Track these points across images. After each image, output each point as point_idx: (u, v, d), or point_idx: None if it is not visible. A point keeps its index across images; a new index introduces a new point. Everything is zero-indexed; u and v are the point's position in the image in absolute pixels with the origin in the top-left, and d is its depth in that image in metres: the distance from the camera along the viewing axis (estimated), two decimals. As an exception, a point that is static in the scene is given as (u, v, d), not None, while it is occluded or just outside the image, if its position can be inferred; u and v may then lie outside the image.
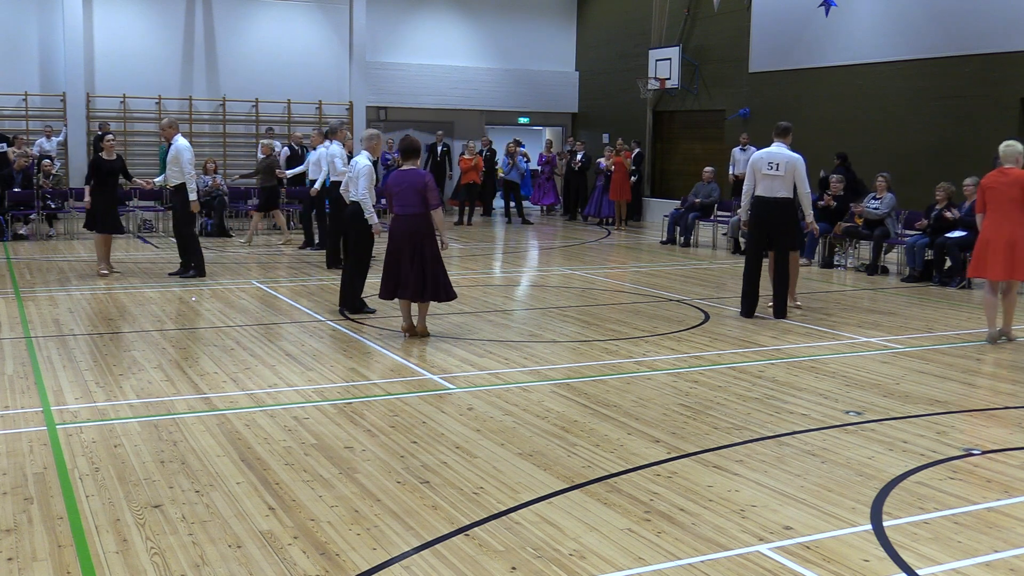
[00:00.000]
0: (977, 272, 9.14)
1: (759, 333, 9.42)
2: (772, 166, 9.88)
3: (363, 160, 9.60)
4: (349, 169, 9.89)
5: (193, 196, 12.25)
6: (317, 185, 14.27)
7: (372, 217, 9.55)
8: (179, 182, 12.20)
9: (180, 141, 12.30)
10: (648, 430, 6.20)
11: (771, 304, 10.22)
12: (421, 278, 8.64)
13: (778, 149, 9.99)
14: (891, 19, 16.92)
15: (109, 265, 12.75)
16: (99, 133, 15.29)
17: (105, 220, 12.53)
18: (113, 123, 20.83)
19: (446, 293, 8.86)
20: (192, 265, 12.53)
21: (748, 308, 10.17)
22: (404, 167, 8.83)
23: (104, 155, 12.59)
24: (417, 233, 8.62)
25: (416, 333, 8.94)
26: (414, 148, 8.88)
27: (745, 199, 10.30)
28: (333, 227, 13.25)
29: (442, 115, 24.10)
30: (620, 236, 19.13)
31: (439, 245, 8.78)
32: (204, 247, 13.16)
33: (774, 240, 9.99)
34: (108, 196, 12.60)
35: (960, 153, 15.55)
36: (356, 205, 9.63)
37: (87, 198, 12.69)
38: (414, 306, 9.02)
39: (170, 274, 12.62)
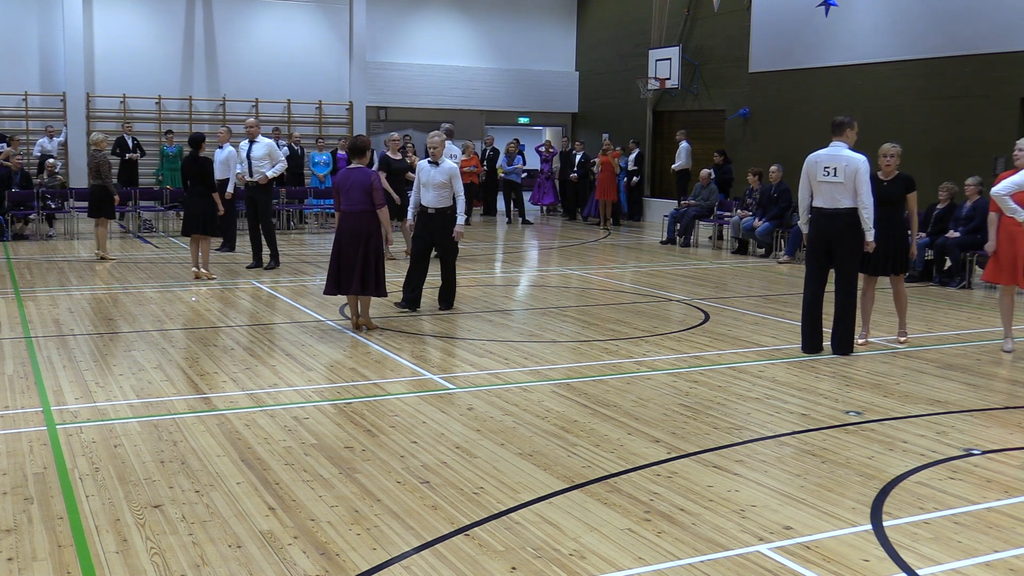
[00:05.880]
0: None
1: (759, 333, 9.42)
2: (828, 171, 8.16)
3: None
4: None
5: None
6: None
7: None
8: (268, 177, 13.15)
9: (265, 139, 13.20)
10: (648, 430, 6.20)
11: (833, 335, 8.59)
12: (363, 273, 8.88)
13: (836, 150, 8.23)
14: (891, 19, 16.92)
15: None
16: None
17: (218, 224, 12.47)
18: (113, 123, 20.86)
19: (383, 289, 9.08)
20: (272, 255, 13.27)
21: (811, 343, 8.53)
22: (351, 165, 9.08)
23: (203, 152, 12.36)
24: (364, 229, 8.88)
25: (362, 327, 9.18)
26: (361, 147, 9.13)
27: (802, 211, 8.50)
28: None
29: (442, 115, 24.10)
30: (615, 236, 19.12)
31: (383, 242, 9.08)
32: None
33: (836, 259, 8.36)
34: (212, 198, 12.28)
35: (960, 153, 15.55)
36: None
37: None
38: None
39: (266, 268, 13.17)
